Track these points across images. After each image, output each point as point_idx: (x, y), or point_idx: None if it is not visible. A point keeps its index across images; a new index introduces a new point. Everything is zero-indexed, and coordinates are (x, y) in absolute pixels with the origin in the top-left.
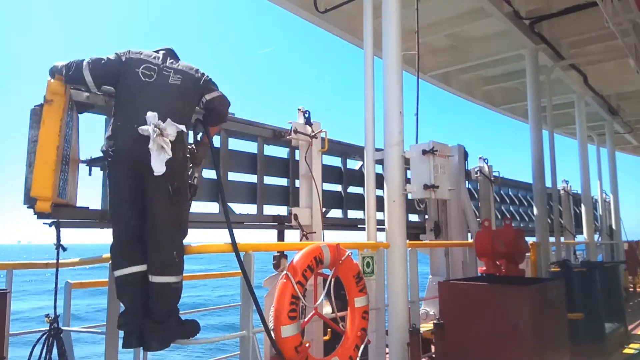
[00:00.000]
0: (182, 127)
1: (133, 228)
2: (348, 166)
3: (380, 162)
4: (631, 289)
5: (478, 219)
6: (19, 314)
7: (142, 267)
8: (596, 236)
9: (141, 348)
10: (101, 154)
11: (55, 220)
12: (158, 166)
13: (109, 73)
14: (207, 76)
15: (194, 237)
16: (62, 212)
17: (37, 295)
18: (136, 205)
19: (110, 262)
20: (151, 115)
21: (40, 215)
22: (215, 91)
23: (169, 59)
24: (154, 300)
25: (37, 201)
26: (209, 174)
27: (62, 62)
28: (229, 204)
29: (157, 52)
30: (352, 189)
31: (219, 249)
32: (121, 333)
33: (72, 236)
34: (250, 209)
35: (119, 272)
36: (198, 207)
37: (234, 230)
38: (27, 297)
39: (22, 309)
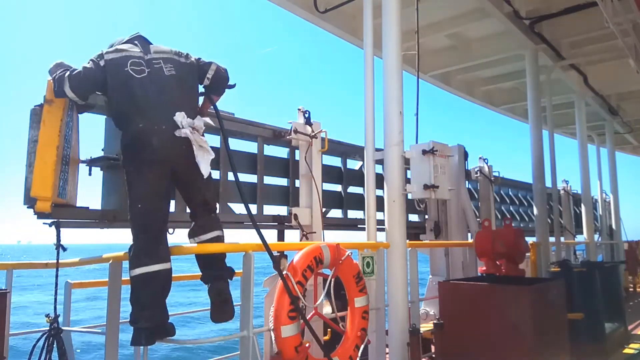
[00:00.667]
0: (207, 119)
1: (163, 224)
2: (348, 166)
3: (380, 162)
4: (631, 289)
5: (478, 219)
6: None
7: (167, 265)
8: (596, 236)
9: (141, 348)
10: (101, 154)
11: (55, 220)
12: (205, 168)
13: (90, 83)
14: (195, 58)
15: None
16: (62, 212)
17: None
18: (168, 201)
19: (130, 260)
20: (180, 116)
21: (40, 215)
22: (212, 64)
23: (147, 46)
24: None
25: (37, 201)
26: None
27: (59, 64)
28: (228, 204)
29: (129, 42)
30: (352, 189)
31: (219, 248)
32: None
33: (72, 236)
34: (250, 209)
35: (144, 270)
36: None
37: (234, 230)
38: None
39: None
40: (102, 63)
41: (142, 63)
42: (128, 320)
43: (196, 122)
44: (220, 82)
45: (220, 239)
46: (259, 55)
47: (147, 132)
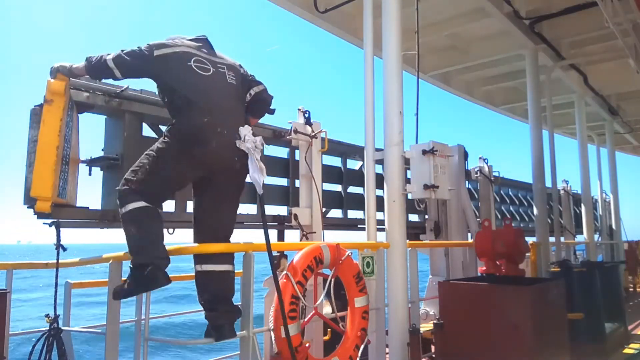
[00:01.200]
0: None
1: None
2: (348, 166)
3: (380, 162)
4: (631, 289)
5: (478, 219)
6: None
7: (161, 215)
8: (596, 236)
9: (141, 347)
10: (101, 154)
11: (55, 220)
12: (259, 188)
13: (133, 62)
14: (249, 73)
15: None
16: (62, 212)
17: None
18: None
19: (120, 198)
20: (246, 130)
21: (40, 215)
22: (261, 84)
23: (212, 50)
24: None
25: (37, 201)
26: None
27: (62, 63)
28: None
29: (193, 40)
30: (352, 189)
31: (219, 248)
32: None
33: (72, 236)
34: (250, 209)
35: (136, 205)
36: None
37: (234, 231)
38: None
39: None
40: (156, 53)
41: (206, 63)
42: (128, 319)
43: (258, 141)
44: (261, 103)
45: (229, 274)
46: (260, 55)
47: (210, 130)
